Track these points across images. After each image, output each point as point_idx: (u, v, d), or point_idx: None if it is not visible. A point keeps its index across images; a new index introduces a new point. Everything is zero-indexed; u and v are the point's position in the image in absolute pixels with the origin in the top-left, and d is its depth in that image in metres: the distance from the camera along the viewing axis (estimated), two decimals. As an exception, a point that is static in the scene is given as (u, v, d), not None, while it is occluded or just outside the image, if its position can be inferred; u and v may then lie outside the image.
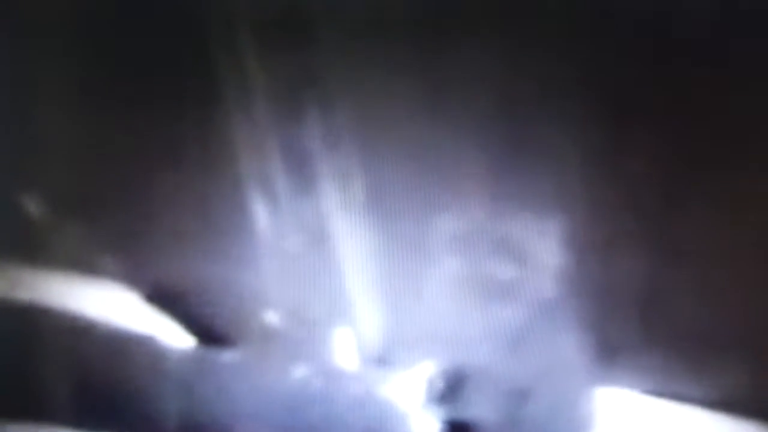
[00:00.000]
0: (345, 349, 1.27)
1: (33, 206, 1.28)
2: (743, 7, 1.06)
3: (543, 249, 1.18)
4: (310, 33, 1.16)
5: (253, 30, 1.17)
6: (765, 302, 1.14)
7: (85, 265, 1.29)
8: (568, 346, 1.20)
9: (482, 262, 1.21)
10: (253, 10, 1.16)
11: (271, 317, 1.27)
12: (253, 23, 1.16)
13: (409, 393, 1.25)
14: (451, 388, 1.23)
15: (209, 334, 1.29)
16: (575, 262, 1.18)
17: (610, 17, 1.09)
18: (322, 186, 1.23)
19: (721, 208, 1.13)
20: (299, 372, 1.27)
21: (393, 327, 1.26)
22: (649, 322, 1.17)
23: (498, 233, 1.20)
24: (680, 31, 1.08)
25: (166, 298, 1.28)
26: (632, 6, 1.08)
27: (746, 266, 1.14)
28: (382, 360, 1.27)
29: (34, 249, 1.30)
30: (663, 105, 1.11)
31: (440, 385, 1.24)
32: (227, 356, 1.29)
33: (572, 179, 1.16)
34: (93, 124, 1.25)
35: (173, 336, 1.29)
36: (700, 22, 1.07)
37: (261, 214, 1.25)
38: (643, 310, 1.17)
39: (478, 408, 1.23)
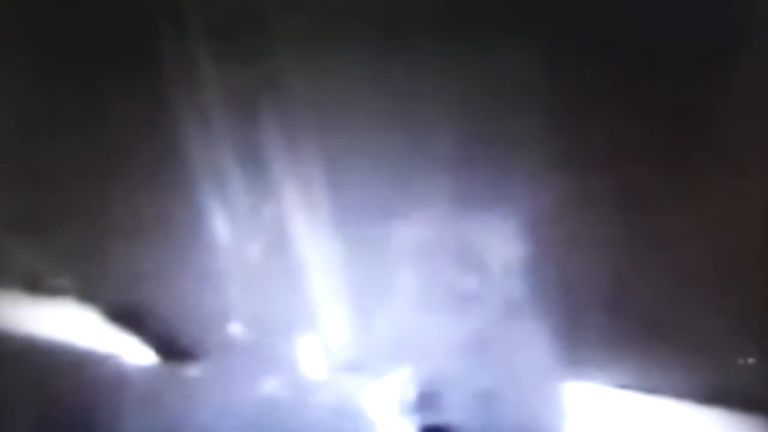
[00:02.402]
0: (313, 358, 1.25)
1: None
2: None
3: (506, 250, 1.18)
4: (267, 38, 1.14)
5: (208, 36, 1.15)
6: (731, 293, 1.14)
7: (41, 283, 1.26)
8: (538, 345, 1.19)
9: (447, 266, 1.20)
10: (207, 16, 1.14)
11: (235, 329, 1.25)
12: (207, 29, 1.14)
13: (382, 401, 1.23)
14: (424, 394, 1.22)
15: (172, 350, 1.26)
16: (539, 262, 1.17)
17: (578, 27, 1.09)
18: (282, 193, 1.21)
19: (685, 202, 1.13)
20: (267, 384, 1.25)
21: (360, 333, 1.24)
22: (616, 316, 1.17)
23: (461, 235, 1.19)
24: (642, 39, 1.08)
25: (125, 315, 1.26)
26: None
27: (712, 258, 1.14)
28: (352, 368, 1.25)
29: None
30: (623, 104, 1.11)
31: (413, 391, 1.22)
32: (191, 371, 1.26)
33: (532, 179, 1.15)
34: (44, 139, 1.22)
35: (135, 353, 1.26)
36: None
37: (220, 223, 1.23)
38: (610, 304, 1.17)
39: (452, 413, 1.21)
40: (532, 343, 1.19)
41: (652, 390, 1.17)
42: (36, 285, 1.26)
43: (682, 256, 1.14)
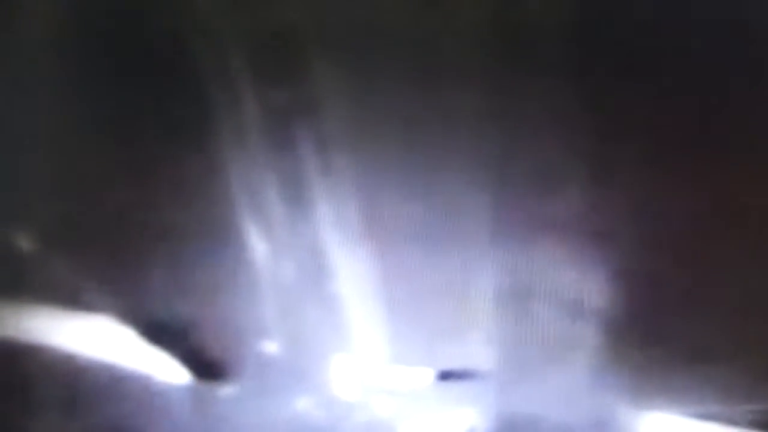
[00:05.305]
0: (347, 378, 1.24)
1: (22, 240, 1.24)
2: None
3: (550, 278, 1.16)
4: (305, 60, 1.14)
5: (247, 59, 1.14)
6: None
7: (76, 300, 1.26)
8: (608, 377, 1.17)
9: (487, 289, 1.19)
10: (247, 40, 1.14)
11: (270, 348, 1.24)
12: (246, 52, 1.14)
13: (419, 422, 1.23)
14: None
15: (206, 369, 1.25)
16: (596, 294, 1.15)
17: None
18: (319, 214, 1.20)
19: (748, 225, 1.11)
20: (300, 404, 1.24)
21: (395, 354, 1.23)
22: (686, 344, 1.15)
23: (502, 257, 1.18)
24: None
25: (160, 333, 1.25)
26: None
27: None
28: (386, 388, 1.24)
29: (22, 284, 1.26)
30: (673, 139, 1.10)
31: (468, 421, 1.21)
32: (225, 391, 1.25)
33: (580, 207, 1.14)
34: (83, 156, 1.22)
35: (168, 372, 1.26)
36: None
37: (257, 243, 1.22)
38: (681, 333, 1.15)
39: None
40: (600, 375, 1.16)
41: (725, 420, 1.16)
42: (72, 300, 1.26)
43: (756, 284, 1.12)
